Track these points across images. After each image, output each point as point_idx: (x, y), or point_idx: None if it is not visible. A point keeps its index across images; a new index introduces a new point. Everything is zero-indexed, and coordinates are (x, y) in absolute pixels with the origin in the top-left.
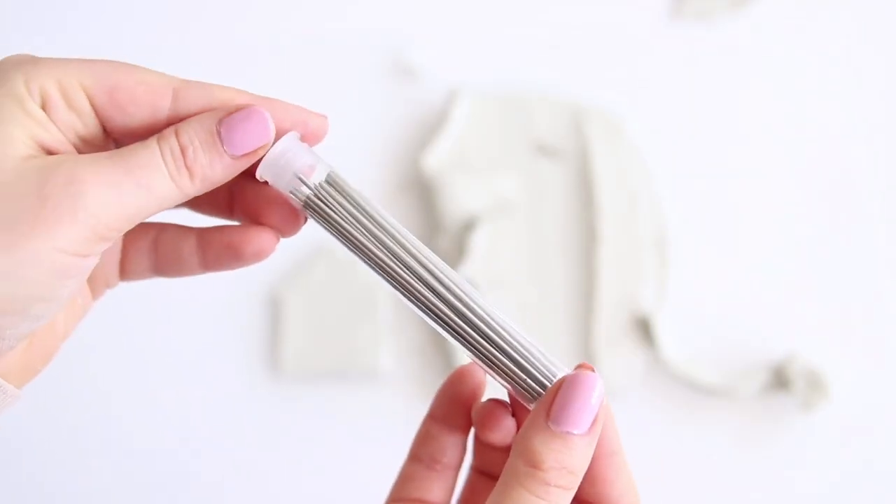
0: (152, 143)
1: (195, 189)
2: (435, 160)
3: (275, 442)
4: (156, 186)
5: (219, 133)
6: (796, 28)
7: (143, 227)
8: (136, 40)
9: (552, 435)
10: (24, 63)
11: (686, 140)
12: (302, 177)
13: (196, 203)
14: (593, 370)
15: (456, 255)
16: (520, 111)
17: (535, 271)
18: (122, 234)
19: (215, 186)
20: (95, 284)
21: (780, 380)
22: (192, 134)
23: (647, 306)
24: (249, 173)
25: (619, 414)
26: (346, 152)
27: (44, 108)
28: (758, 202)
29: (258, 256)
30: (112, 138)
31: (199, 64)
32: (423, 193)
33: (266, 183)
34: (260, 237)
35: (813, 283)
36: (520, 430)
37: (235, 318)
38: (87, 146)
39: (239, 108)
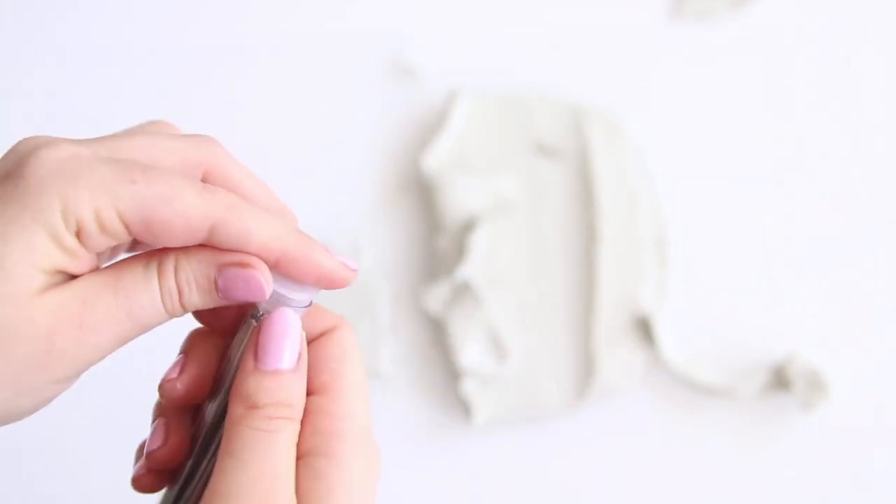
0: (153, 282)
1: (180, 316)
2: (435, 160)
3: None
4: (151, 322)
5: (215, 282)
6: (796, 28)
7: None
8: (136, 40)
9: (262, 374)
10: (60, 179)
11: (686, 140)
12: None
13: None
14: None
15: (456, 255)
16: (520, 111)
17: (535, 271)
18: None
19: None
20: None
21: (780, 380)
22: (191, 277)
23: (647, 306)
24: None
25: (619, 414)
26: (347, 152)
27: (77, 235)
28: (758, 202)
29: None
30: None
31: (200, 64)
32: (423, 193)
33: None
34: None
35: (813, 283)
36: (234, 382)
37: None
38: (111, 253)
39: (240, 265)
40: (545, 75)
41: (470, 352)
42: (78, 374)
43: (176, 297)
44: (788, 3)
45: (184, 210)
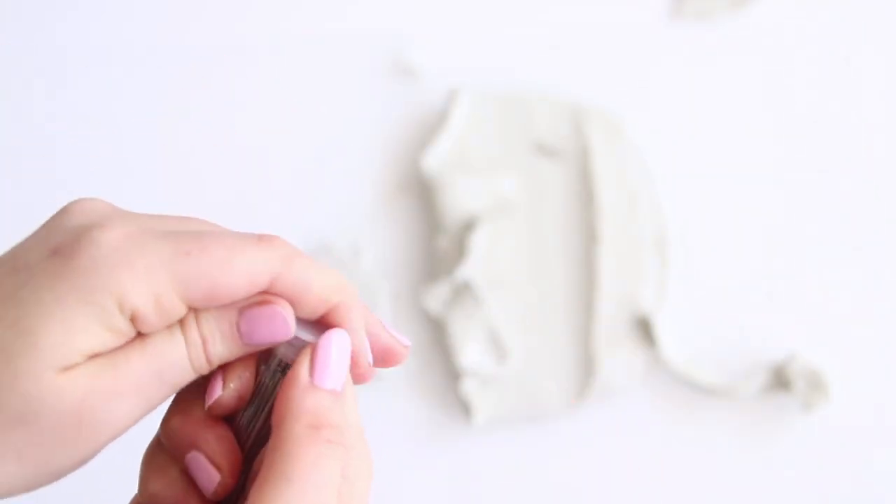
0: (179, 338)
1: (208, 371)
2: (435, 160)
3: None
4: (179, 381)
5: (238, 326)
6: (796, 28)
7: None
8: (136, 40)
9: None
10: (114, 264)
11: (686, 140)
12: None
13: None
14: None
15: (456, 255)
16: (520, 111)
17: (535, 271)
18: None
19: None
20: None
21: (780, 380)
22: (215, 326)
23: (647, 306)
24: None
25: (619, 414)
26: (347, 152)
27: (132, 320)
28: (758, 202)
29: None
30: None
31: (200, 64)
32: (423, 193)
33: None
34: None
35: (813, 283)
36: (287, 398)
37: None
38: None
39: (260, 303)
40: (545, 75)
41: (470, 352)
42: (102, 448)
43: (201, 349)
44: (788, 3)
45: (245, 270)
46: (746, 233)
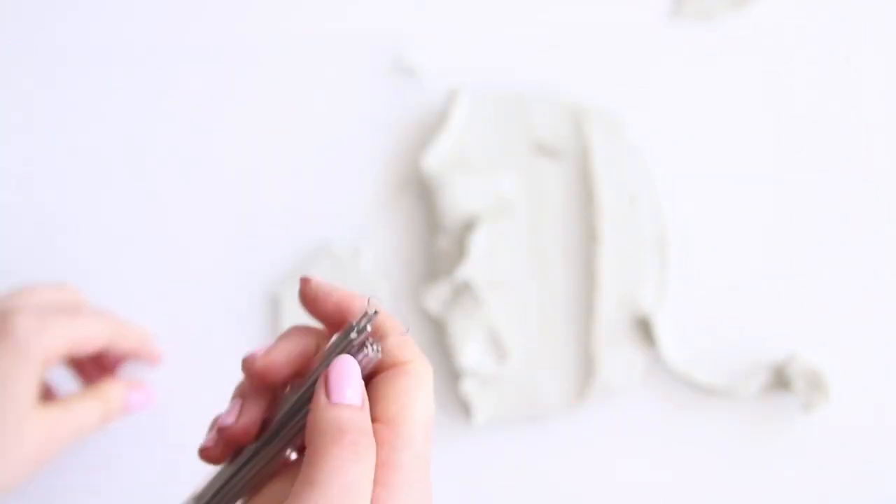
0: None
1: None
2: (435, 160)
3: None
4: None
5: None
6: (796, 28)
7: None
8: (136, 40)
9: (339, 407)
10: (33, 334)
11: (686, 140)
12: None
13: None
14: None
15: (456, 255)
16: (520, 111)
17: (535, 271)
18: None
19: None
20: None
21: (780, 380)
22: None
23: (647, 306)
24: None
25: (619, 414)
26: (346, 152)
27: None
28: (758, 202)
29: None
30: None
31: (200, 64)
32: (423, 193)
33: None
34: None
35: (813, 283)
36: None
37: (235, 317)
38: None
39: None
40: (545, 75)
41: (470, 352)
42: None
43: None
44: (788, 3)
45: (90, 332)
46: (746, 233)
